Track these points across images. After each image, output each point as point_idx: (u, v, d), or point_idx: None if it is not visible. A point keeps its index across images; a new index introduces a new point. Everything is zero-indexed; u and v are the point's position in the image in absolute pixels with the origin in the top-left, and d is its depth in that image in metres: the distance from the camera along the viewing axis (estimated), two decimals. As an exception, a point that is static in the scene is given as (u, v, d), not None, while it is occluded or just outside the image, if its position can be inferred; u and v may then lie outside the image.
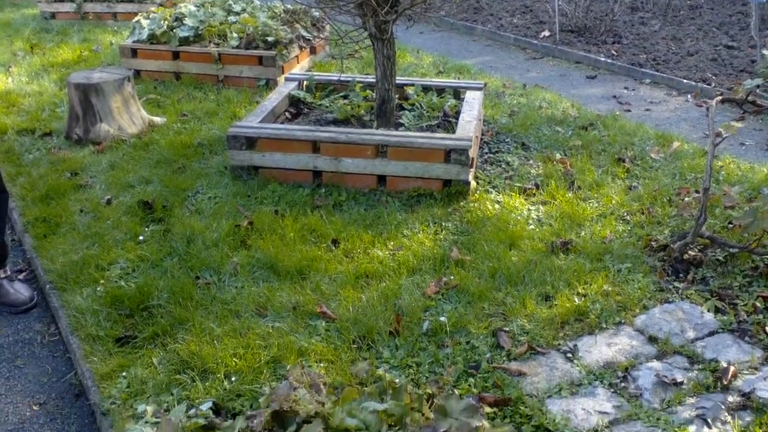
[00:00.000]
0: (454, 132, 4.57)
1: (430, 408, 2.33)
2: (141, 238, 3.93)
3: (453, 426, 2.13)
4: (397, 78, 4.91)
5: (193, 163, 4.87)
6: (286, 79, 5.69)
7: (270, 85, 6.49)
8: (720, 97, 3.68)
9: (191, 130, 5.44)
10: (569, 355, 2.99)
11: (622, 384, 2.82)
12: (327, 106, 5.24)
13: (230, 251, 3.75)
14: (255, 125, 4.63)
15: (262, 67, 6.51)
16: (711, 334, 3.10)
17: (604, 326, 3.16)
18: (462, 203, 4.24)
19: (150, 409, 2.60)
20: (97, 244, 3.87)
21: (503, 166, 4.81)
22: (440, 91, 5.42)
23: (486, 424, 2.24)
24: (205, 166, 4.82)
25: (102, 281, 3.53)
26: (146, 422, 2.51)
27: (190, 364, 2.93)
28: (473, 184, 4.41)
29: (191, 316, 3.21)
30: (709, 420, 2.59)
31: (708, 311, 3.24)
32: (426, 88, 5.42)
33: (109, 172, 4.78)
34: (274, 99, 5.20)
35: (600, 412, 2.66)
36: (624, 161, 4.83)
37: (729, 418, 2.59)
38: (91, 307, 3.32)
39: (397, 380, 2.48)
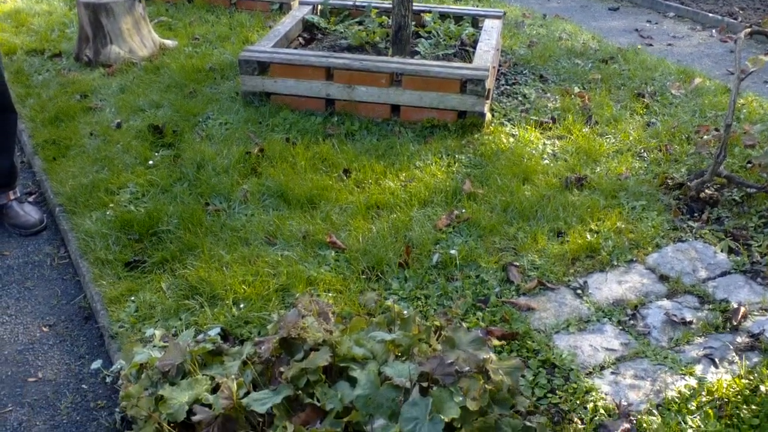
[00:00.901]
0: (470, 62, 4.46)
1: (437, 340, 2.32)
2: (151, 162, 3.89)
3: (460, 357, 2.12)
4: (414, 4, 4.77)
5: (204, 88, 4.79)
6: (300, 3, 5.55)
7: (283, 9, 6.34)
8: (748, 29, 3.55)
9: (203, 54, 5.34)
10: (579, 291, 2.97)
11: (631, 322, 2.80)
12: (341, 32, 5.11)
13: (240, 178, 3.72)
14: (267, 50, 4.53)
15: (275, -9, 6.35)
16: (723, 274, 3.07)
17: (616, 264, 3.13)
18: (476, 135, 4.17)
19: (158, 333, 2.61)
20: (106, 168, 3.85)
21: (520, 98, 4.71)
22: (458, 18, 5.27)
23: (493, 356, 2.24)
24: (216, 92, 4.74)
25: (111, 205, 3.52)
26: (154, 346, 2.52)
27: (198, 290, 2.94)
28: (488, 116, 4.32)
29: (200, 243, 3.20)
30: (717, 360, 2.58)
31: (721, 251, 3.20)
32: (443, 16, 5.28)
33: (119, 96, 4.71)
34: (287, 23, 5.07)
35: (607, 349, 2.66)
36: (643, 96, 4.72)
37: (737, 359, 2.58)
38: (100, 231, 3.32)
39: (405, 311, 2.47)
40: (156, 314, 2.84)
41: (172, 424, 2.08)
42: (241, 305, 2.84)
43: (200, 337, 2.53)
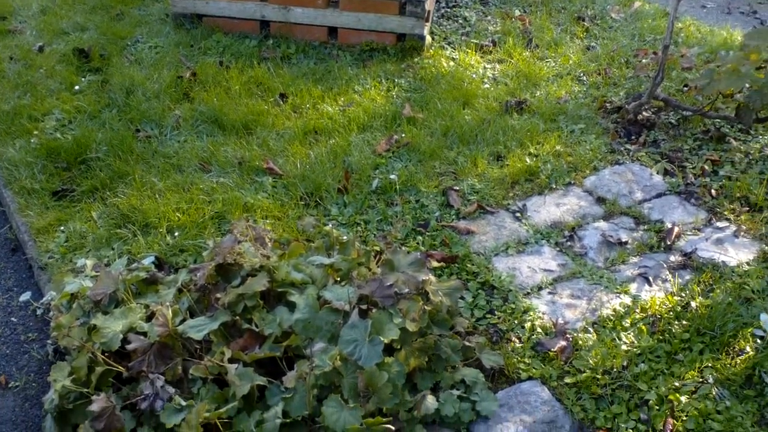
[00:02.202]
0: (410, -17, 4.34)
1: (377, 263, 2.30)
2: (77, 88, 3.71)
3: (400, 279, 2.11)
4: None
5: (132, 10, 4.57)
6: None
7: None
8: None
9: (129, -26, 5.07)
10: (518, 214, 2.98)
11: (568, 243, 2.83)
12: (276, -48, 4.90)
13: (172, 103, 3.58)
14: (198, -31, 4.32)
15: None
16: (658, 195, 3.12)
17: (554, 186, 3.15)
18: (416, 59, 4.09)
19: (90, 262, 2.52)
20: (29, 94, 3.65)
21: (460, 21, 4.63)
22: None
23: (432, 278, 2.23)
24: (145, 14, 4.52)
25: (36, 132, 3.35)
26: (86, 276, 2.44)
27: (131, 218, 2.84)
28: (428, 39, 4.24)
29: (132, 170, 3.09)
30: (651, 278, 2.63)
31: (657, 173, 3.24)
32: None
33: (40, 18, 4.46)
34: (218, -58, 4.83)
35: (545, 270, 2.68)
36: (583, 20, 4.69)
37: (670, 277, 2.63)
38: (24, 159, 3.16)
39: (344, 236, 2.44)
40: (87, 244, 2.74)
41: (106, 354, 2.03)
42: (176, 233, 2.76)
43: (134, 266, 2.46)
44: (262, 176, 3.10)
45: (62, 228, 2.83)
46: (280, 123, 3.46)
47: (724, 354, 2.27)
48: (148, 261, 2.55)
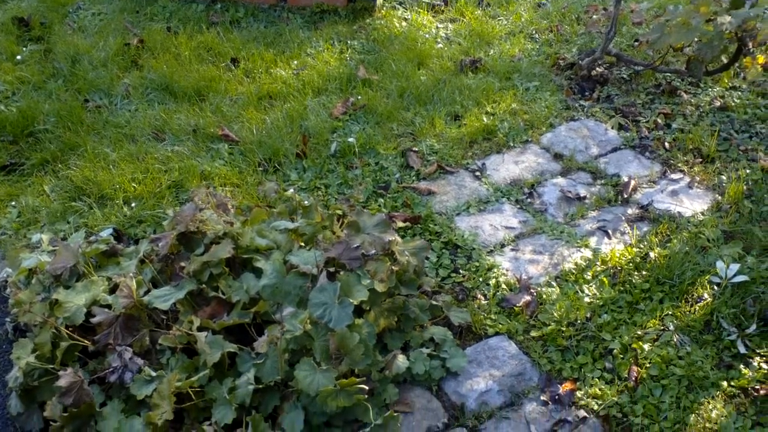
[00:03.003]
0: (359, -57, 4.27)
1: (341, 226, 2.29)
2: (19, 58, 3.58)
3: (366, 241, 2.10)
4: None
5: (72, -24, 4.40)
6: None
7: None
8: None
9: (66, -61, 4.88)
10: (477, 173, 2.99)
11: (528, 200, 2.86)
12: None
13: (120, 72, 3.48)
14: (139, -68, 4.18)
15: None
16: (614, 150, 3.16)
17: (512, 144, 3.16)
18: (368, 20, 4.04)
19: (45, 237, 2.45)
20: (-32, 65, 3.52)
21: (410, -19, 4.58)
22: None
23: (398, 238, 2.23)
24: (85, -21, 4.37)
25: (-22, 105, 3.23)
26: (43, 251, 2.37)
27: (85, 190, 2.77)
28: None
29: (83, 141, 3.00)
30: (610, 231, 2.68)
31: (612, 128, 3.28)
32: None
33: (-26, -15, 4.27)
34: None
35: (506, 228, 2.71)
36: (533, -22, 4.69)
37: (628, 229, 2.68)
38: (-32, 133, 3.05)
39: (306, 200, 2.41)
40: (41, 218, 2.67)
41: (70, 328, 1.99)
42: (133, 204, 2.70)
43: (92, 238, 2.40)
44: (218, 143, 3.05)
45: (13, 203, 2.74)
46: (233, 88, 3.39)
47: (683, 302, 2.33)
48: (106, 233, 2.49)
